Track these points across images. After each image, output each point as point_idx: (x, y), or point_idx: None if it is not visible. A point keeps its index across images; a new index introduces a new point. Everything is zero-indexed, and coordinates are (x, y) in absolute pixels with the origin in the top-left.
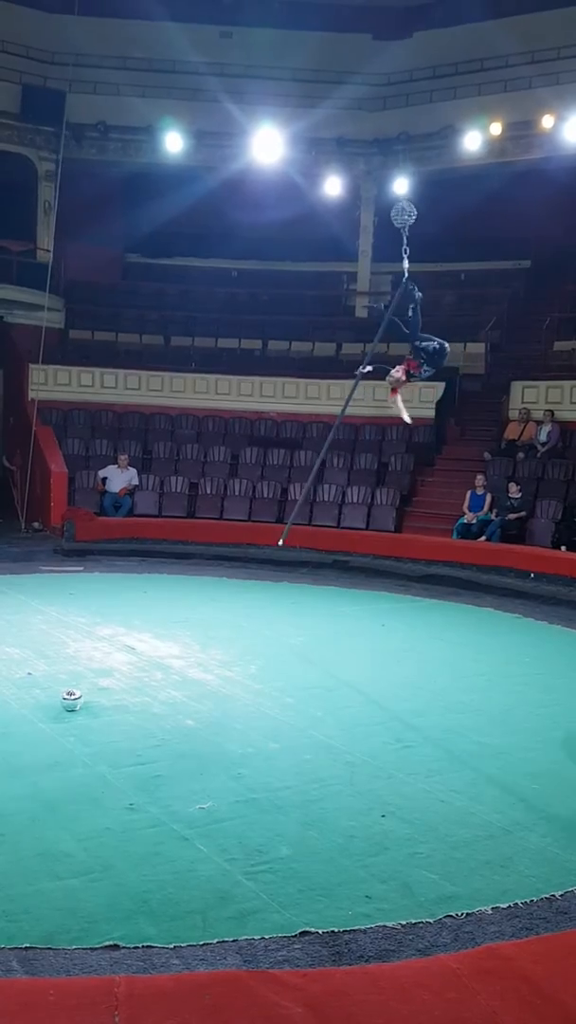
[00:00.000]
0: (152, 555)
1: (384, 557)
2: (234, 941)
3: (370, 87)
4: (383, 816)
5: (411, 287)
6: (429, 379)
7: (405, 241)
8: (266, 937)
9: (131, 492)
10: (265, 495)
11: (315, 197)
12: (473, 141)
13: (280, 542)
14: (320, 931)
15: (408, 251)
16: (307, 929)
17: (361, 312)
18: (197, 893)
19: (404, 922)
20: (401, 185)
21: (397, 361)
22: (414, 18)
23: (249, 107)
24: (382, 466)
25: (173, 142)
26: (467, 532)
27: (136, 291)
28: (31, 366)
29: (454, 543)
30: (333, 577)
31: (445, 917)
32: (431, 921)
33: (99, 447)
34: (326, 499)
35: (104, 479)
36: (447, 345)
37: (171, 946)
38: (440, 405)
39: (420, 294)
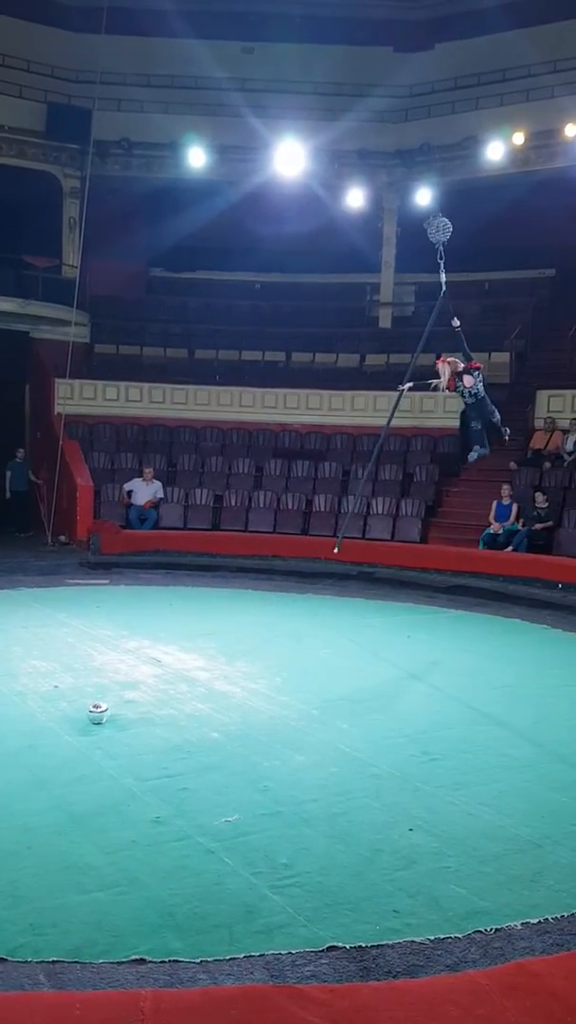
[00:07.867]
0: (177, 568)
1: (410, 568)
2: (261, 956)
3: (392, 99)
4: (410, 829)
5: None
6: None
7: (441, 256)
8: (293, 952)
9: (156, 505)
10: (290, 507)
11: (337, 209)
12: (495, 151)
13: (335, 549)
14: (347, 946)
15: (444, 263)
16: (334, 944)
17: (384, 323)
18: (224, 907)
19: (432, 937)
20: (424, 196)
21: (433, 375)
22: (436, 30)
23: (271, 121)
24: (407, 477)
25: (196, 157)
26: (493, 543)
27: (160, 305)
28: (57, 381)
29: (480, 554)
30: (358, 589)
31: (474, 932)
32: (460, 936)
33: (124, 460)
34: (351, 510)
35: (130, 492)
36: None
37: (198, 960)
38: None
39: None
